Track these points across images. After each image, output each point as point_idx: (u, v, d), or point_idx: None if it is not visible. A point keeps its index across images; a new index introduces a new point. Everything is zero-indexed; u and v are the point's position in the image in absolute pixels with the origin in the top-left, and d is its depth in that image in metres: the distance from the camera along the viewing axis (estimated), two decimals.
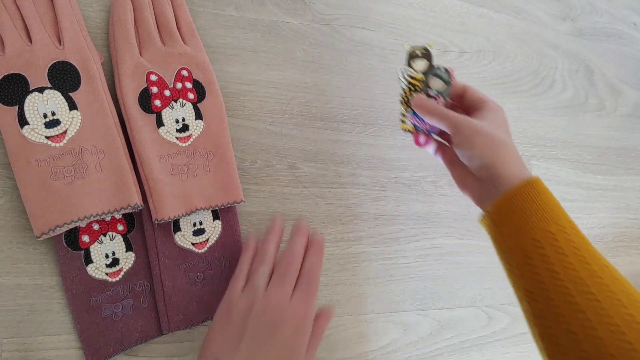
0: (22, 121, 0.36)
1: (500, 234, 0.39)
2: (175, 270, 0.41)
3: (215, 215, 0.44)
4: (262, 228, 0.47)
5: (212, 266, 0.43)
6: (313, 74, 0.51)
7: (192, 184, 0.42)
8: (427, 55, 0.44)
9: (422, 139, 0.46)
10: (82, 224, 0.37)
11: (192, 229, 0.43)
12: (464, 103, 0.46)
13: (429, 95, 0.44)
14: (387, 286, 0.53)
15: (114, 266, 0.40)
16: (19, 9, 0.37)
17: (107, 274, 0.39)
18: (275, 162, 0.48)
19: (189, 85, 0.43)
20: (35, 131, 0.36)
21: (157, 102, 0.41)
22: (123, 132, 0.40)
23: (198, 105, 0.43)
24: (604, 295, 0.33)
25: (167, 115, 0.42)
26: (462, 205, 0.57)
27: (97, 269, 0.39)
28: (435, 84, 0.44)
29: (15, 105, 0.36)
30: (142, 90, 0.41)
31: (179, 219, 0.42)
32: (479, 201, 0.42)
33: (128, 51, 0.40)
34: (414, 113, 0.44)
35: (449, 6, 0.61)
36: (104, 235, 0.40)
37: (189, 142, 0.42)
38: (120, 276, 0.40)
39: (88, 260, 0.39)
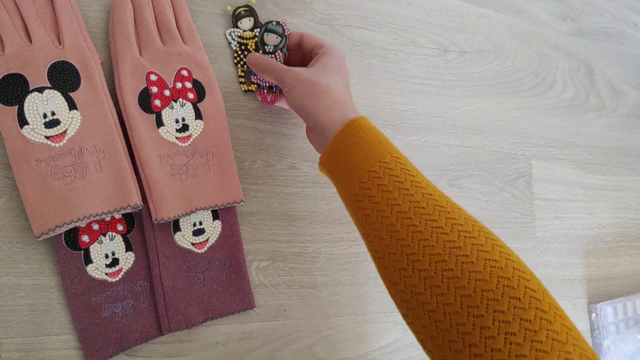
0: (22, 121, 0.36)
1: (336, 183, 0.38)
2: (175, 271, 0.41)
3: (215, 215, 0.44)
4: (262, 228, 0.47)
5: (212, 266, 0.43)
6: None
7: (191, 184, 0.42)
8: (250, 12, 0.44)
9: (269, 97, 0.46)
10: (82, 224, 0.37)
11: (192, 229, 0.43)
12: (303, 52, 0.45)
13: (266, 52, 0.44)
14: None
15: (114, 266, 0.40)
16: (18, 9, 0.37)
17: (106, 274, 0.39)
18: (275, 162, 0.48)
19: (188, 85, 0.43)
20: (35, 131, 0.36)
21: (157, 102, 0.41)
22: (123, 132, 0.40)
23: (198, 105, 0.43)
24: (426, 225, 0.32)
25: (167, 115, 0.42)
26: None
27: (97, 269, 0.39)
28: (271, 39, 0.44)
29: (15, 105, 0.36)
30: (142, 90, 0.41)
31: (178, 219, 0.42)
32: (318, 147, 0.41)
33: (128, 51, 0.40)
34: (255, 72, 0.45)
35: (449, 6, 0.61)
36: (104, 235, 0.39)
37: (189, 142, 0.42)
38: (120, 276, 0.40)
39: (88, 260, 0.39)
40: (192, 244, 0.43)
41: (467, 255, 0.30)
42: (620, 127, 0.73)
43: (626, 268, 0.71)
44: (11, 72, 0.36)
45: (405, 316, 0.33)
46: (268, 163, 0.48)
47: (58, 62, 0.38)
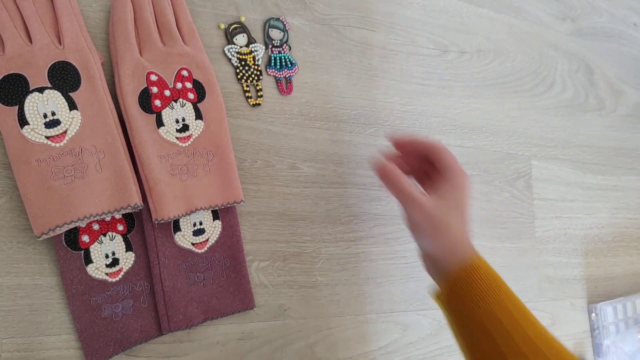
0: (22, 121, 0.36)
1: (451, 317, 0.40)
2: (175, 271, 0.41)
3: (215, 215, 0.44)
4: (262, 228, 0.47)
5: (212, 266, 0.43)
6: (313, 74, 0.51)
7: (192, 184, 0.42)
8: (242, 29, 0.47)
9: (285, 86, 0.49)
10: (82, 224, 0.37)
11: (192, 229, 0.43)
12: (434, 162, 0.43)
13: (274, 46, 0.48)
14: (387, 286, 0.53)
15: (114, 266, 0.40)
16: (19, 9, 0.37)
17: (107, 274, 0.39)
18: (275, 162, 0.48)
19: (189, 85, 0.43)
20: (36, 131, 0.36)
21: (157, 102, 0.41)
22: (123, 132, 0.40)
23: (198, 105, 0.43)
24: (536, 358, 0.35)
25: (167, 115, 0.42)
26: None
27: (97, 269, 0.39)
28: (275, 34, 0.48)
29: (16, 105, 0.36)
30: (142, 90, 0.41)
31: (178, 219, 0.42)
32: (433, 277, 0.43)
33: (128, 51, 0.40)
34: (270, 66, 0.48)
35: (449, 6, 0.61)
36: (104, 235, 0.39)
37: (189, 142, 0.42)
38: (120, 276, 0.40)
39: (88, 260, 0.39)
40: (192, 244, 0.43)
41: None
42: (620, 127, 0.73)
43: (626, 268, 0.71)
44: (11, 72, 0.36)
45: None
46: (268, 163, 0.48)
47: (58, 62, 0.38)
